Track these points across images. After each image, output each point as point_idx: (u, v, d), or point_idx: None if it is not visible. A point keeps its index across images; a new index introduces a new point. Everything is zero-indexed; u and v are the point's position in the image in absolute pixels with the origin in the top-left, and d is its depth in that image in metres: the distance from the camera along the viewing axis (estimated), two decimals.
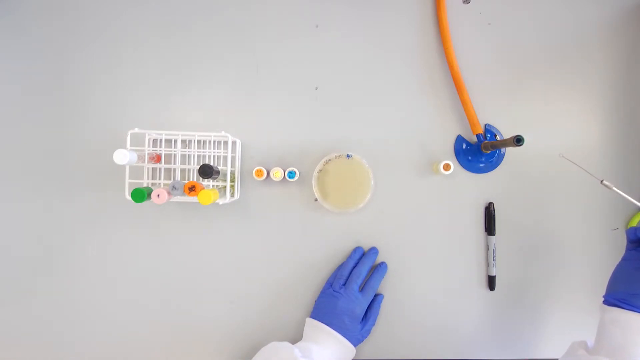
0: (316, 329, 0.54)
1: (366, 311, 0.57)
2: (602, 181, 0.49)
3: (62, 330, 0.59)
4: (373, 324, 0.57)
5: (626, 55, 0.62)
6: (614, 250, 0.62)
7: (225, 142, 0.57)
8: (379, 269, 0.58)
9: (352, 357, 0.55)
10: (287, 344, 0.52)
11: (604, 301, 0.49)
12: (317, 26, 0.61)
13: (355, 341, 0.55)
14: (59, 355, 0.59)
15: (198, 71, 0.60)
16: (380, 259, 0.60)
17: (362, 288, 0.57)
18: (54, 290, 0.59)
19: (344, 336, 0.53)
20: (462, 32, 0.61)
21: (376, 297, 0.58)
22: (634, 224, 0.61)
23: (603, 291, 0.61)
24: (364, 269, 0.57)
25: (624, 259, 0.50)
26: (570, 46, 0.62)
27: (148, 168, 0.56)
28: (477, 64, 0.61)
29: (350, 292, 0.55)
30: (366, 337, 0.56)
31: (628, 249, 0.51)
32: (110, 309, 0.59)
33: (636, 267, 0.48)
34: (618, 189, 0.49)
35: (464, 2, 0.62)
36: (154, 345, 0.59)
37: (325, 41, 0.61)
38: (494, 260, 0.60)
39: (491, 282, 0.60)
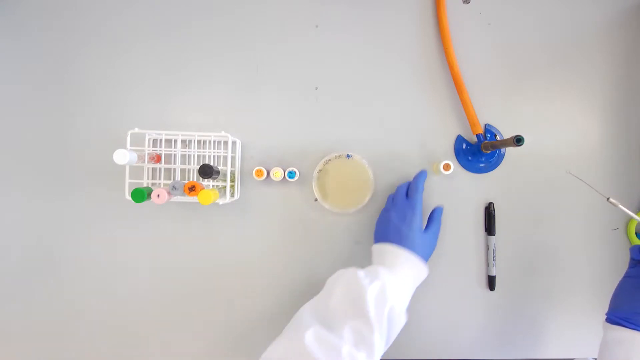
0: (379, 251, 0.52)
1: (428, 223, 0.54)
2: (608, 199, 0.49)
3: (61, 330, 0.59)
4: (436, 233, 0.54)
5: (626, 55, 0.62)
6: (614, 251, 0.62)
7: (225, 142, 0.57)
8: (418, 174, 0.56)
9: (425, 274, 0.51)
10: (353, 268, 0.49)
11: (606, 319, 0.48)
12: (317, 26, 0.61)
13: (422, 253, 0.51)
14: (58, 355, 0.59)
15: (198, 71, 0.60)
16: None
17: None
18: (53, 290, 0.59)
19: (408, 248, 0.50)
20: (462, 32, 0.61)
21: (436, 208, 0.56)
22: (634, 224, 0.61)
23: (603, 291, 0.61)
24: (408, 182, 0.56)
25: (627, 276, 0.50)
26: (570, 46, 0.62)
27: (148, 168, 0.56)
28: (477, 64, 0.61)
29: (397, 201, 0.53)
30: (433, 249, 0.53)
31: (631, 266, 0.50)
32: (110, 308, 0.59)
33: (639, 284, 0.47)
34: (624, 205, 0.49)
35: (464, 2, 0.62)
36: (154, 345, 0.59)
37: (325, 41, 0.61)
38: (494, 260, 0.60)
39: (491, 282, 0.60)
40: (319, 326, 0.43)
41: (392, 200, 0.55)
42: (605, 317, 0.49)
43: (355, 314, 0.43)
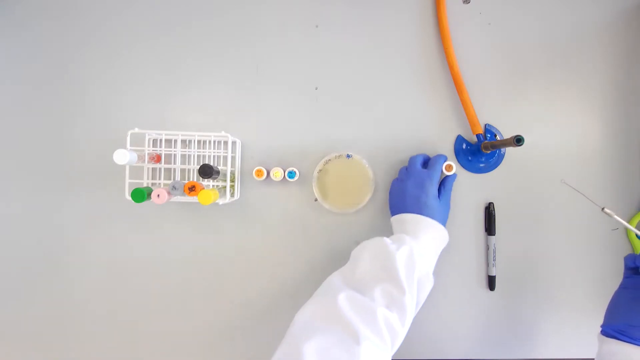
0: (399, 221, 0.52)
1: (440, 191, 0.54)
2: (603, 209, 0.49)
3: (62, 331, 0.59)
4: (449, 199, 0.55)
5: (626, 55, 0.62)
6: (614, 251, 0.62)
7: (225, 142, 0.57)
8: (438, 155, 0.56)
9: (446, 238, 0.52)
10: (378, 237, 0.50)
11: (601, 331, 0.48)
12: (317, 26, 0.61)
13: (441, 219, 0.52)
14: (59, 355, 0.59)
15: (198, 71, 0.60)
16: None
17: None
18: (53, 290, 0.59)
19: (428, 216, 0.51)
20: (462, 32, 0.61)
21: (448, 177, 0.56)
22: (634, 224, 0.61)
23: (603, 291, 0.62)
24: (426, 155, 0.56)
25: (621, 287, 0.49)
26: (570, 46, 0.62)
27: (148, 168, 0.56)
28: (477, 64, 0.61)
29: (413, 171, 0.54)
30: (448, 214, 0.54)
31: (626, 276, 0.50)
32: (109, 308, 0.59)
33: (634, 296, 0.47)
34: (619, 216, 0.49)
35: (464, 2, 0.62)
36: (154, 345, 0.59)
37: (325, 41, 0.61)
38: (494, 260, 0.60)
39: (491, 282, 0.60)
40: (351, 290, 0.43)
41: (405, 170, 0.55)
42: (600, 329, 0.48)
43: (385, 277, 0.44)
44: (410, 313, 0.43)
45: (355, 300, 0.42)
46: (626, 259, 0.49)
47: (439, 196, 0.53)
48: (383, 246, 0.47)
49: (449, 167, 0.56)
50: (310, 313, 0.42)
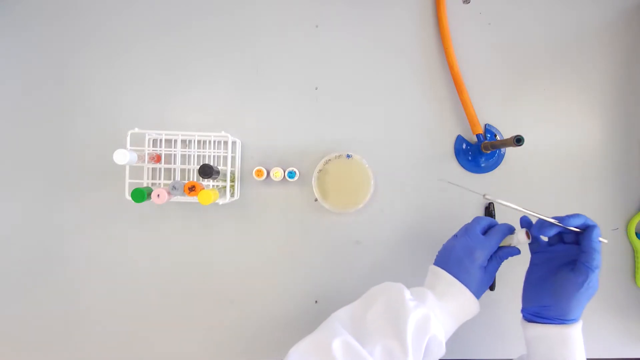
0: (434, 275, 0.48)
1: (491, 259, 0.48)
2: (484, 195, 0.47)
3: (61, 330, 0.59)
4: (494, 272, 0.48)
5: (626, 55, 0.62)
6: (614, 251, 0.62)
7: (225, 142, 0.57)
8: (508, 225, 0.50)
9: (475, 311, 0.47)
10: (400, 285, 0.47)
11: (523, 316, 0.47)
12: (317, 26, 0.61)
13: (477, 290, 0.46)
14: (59, 355, 0.59)
15: (198, 71, 0.60)
16: (379, 259, 0.60)
17: (487, 233, 0.49)
18: (53, 290, 0.59)
19: (463, 283, 0.46)
20: (462, 32, 0.61)
21: (510, 248, 0.49)
22: (634, 224, 0.61)
23: (603, 291, 0.61)
24: (493, 220, 0.50)
25: (529, 266, 0.48)
26: (571, 46, 0.62)
27: (148, 168, 0.56)
28: (477, 64, 0.61)
29: (470, 233, 0.48)
30: (486, 288, 0.48)
31: (532, 251, 0.49)
32: (110, 308, 0.59)
33: (541, 275, 0.46)
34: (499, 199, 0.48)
35: (464, 2, 0.62)
36: (154, 344, 0.59)
37: (325, 41, 0.61)
38: None
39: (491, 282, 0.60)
40: (350, 336, 0.41)
41: (465, 230, 0.50)
42: (521, 315, 0.47)
43: (392, 333, 0.41)
44: None
45: (351, 351, 0.39)
46: (530, 228, 0.47)
47: (486, 265, 0.48)
48: (401, 299, 0.44)
49: (528, 235, 0.48)
50: (303, 351, 0.40)
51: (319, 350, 0.40)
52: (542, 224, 0.45)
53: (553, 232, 0.45)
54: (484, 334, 0.61)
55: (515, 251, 0.49)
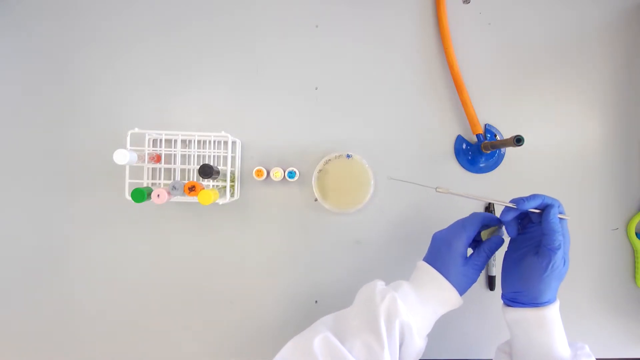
0: (416, 268, 0.48)
1: (476, 252, 0.47)
2: (436, 188, 0.47)
3: (62, 330, 0.59)
4: (479, 266, 0.47)
5: (626, 55, 0.62)
6: (614, 251, 0.62)
7: (225, 142, 0.57)
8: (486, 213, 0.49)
9: (455, 301, 0.45)
10: (375, 280, 0.47)
11: (503, 302, 0.47)
12: (317, 26, 0.61)
13: (456, 280, 0.45)
14: (58, 355, 0.59)
15: (198, 71, 0.60)
16: (379, 259, 0.60)
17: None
18: (53, 290, 0.59)
19: (442, 273, 0.45)
20: (462, 32, 0.61)
21: (493, 237, 0.48)
22: (634, 224, 0.61)
23: (603, 291, 0.62)
24: (481, 214, 0.49)
25: (505, 252, 0.48)
26: (571, 46, 0.62)
27: (148, 168, 0.56)
28: (477, 64, 0.61)
29: (453, 225, 0.48)
30: (472, 283, 0.47)
31: (509, 241, 0.48)
32: (110, 308, 0.59)
33: (512, 261, 0.46)
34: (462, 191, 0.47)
35: (464, 2, 0.62)
36: (154, 344, 0.59)
37: (325, 41, 0.61)
38: (494, 260, 0.60)
39: (491, 282, 0.60)
40: (331, 334, 0.41)
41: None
42: (502, 301, 0.48)
43: (368, 327, 0.42)
44: None
45: (330, 346, 0.40)
46: (501, 215, 0.46)
47: (472, 255, 0.47)
48: (373, 293, 0.44)
49: (490, 232, 0.48)
50: (286, 353, 0.41)
51: (301, 350, 0.40)
52: (503, 210, 0.45)
53: (510, 216, 0.44)
54: (484, 333, 0.61)
55: (499, 241, 0.48)
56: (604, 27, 0.62)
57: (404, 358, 0.43)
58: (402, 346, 0.42)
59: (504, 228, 0.48)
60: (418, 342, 0.43)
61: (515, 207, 0.44)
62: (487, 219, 0.48)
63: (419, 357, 0.44)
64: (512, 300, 0.46)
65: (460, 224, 0.47)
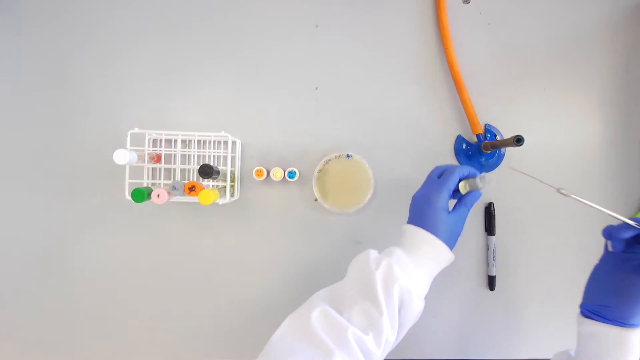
0: (402, 231, 0.48)
1: (456, 205, 0.48)
2: (558, 189, 0.46)
3: (62, 330, 0.59)
4: (462, 216, 0.47)
5: (626, 55, 0.62)
6: None
7: (225, 142, 0.57)
8: (463, 166, 0.49)
9: (448, 258, 0.45)
10: (368, 250, 0.47)
11: (580, 312, 0.46)
12: (317, 26, 0.61)
13: (444, 236, 0.45)
14: (58, 355, 0.59)
15: (198, 71, 0.60)
16: None
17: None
18: (54, 290, 0.59)
19: (427, 230, 0.45)
20: (462, 32, 0.61)
21: (471, 191, 0.48)
22: None
23: None
24: (450, 165, 0.49)
25: (598, 264, 0.48)
26: (571, 46, 0.62)
27: (148, 168, 0.56)
28: (477, 64, 0.61)
29: (427, 179, 0.49)
30: (459, 234, 0.47)
31: (605, 251, 0.48)
32: (110, 308, 0.59)
33: (608, 274, 0.45)
34: (578, 196, 0.46)
35: (464, 2, 0.62)
36: (154, 344, 0.59)
37: (325, 41, 0.61)
38: (494, 260, 0.60)
39: (491, 282, 0.60)
40: (328, 306, 0.41)
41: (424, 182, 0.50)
42: (579, 309, 0.47)
43: (364, 295, 0.42)
44: (390, 335, 0.41)
45: (328, 318, 0.40)
46: (603, 231, 0.45)
47: (454, 208, 0.47)
48: (367, 261, 0.44)
49: (469, 184, 0.48)
50: (283, 331, 0.41)
51: (299, 324, 0.40)
52: (619, 226, 0.44)
53: (628, 234, 0.43)
54: (484, 333, 0.61)
55: (479, 195, 0.48)
56: (604, 27, 0.62)
57: (403, 322, 0.43)
58: (402, 310, 0.42)
59: (478, 180, 0.48)
60: (417, 305, 0.43)
61: (638, 227, 0.43)
62: (464, 171, 0.48)
63: (417, 319, 0.44)
64: (595, 313, 0.44)
65: (440, 181, 0.47)
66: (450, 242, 0.46)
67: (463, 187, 0.49)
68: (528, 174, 0.49)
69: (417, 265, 0.44)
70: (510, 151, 0.61)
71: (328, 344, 0.38)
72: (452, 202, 0.48)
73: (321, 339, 0.38)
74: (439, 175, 0.49)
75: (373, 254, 0.45)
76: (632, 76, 0.62)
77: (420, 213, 0.46)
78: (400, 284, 0.42)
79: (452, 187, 0.47)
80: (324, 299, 0.44)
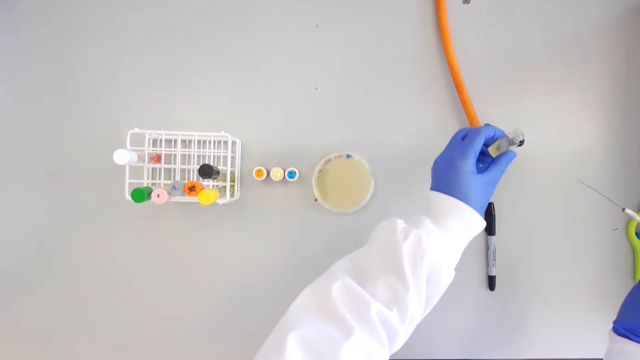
0: (428, 199, 0.45)
1: (488, 167, 0.45)
2: (623, 209, 0.45)
3: (62, 330, 0.59)
4: (494, 180, 0.44)
5: (626, 55, 0.62)
6: (614, 251, 0.62)
7: (225, 142, 0.57)
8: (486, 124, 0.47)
9: (480, 225, 0.43)
10: (394, 219, 0.44)
11: (613, 328, 0.45)
12: (317, 26, 0.61)
13: (474, 200, 0.42)
14: (58, 355, 0.59)
15: (198, 71, 0.60)
16: None
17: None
18: (53, 290, 0.59)
19: (455, 196, 0.42)
20: (462, 32, 0.61)
21: (506, 152, 0.46)
22: (634, 224, 0.61)
23: (603, 291, 0.61)
24: (474, 127, 0.46)
25: (637, 285, 0.46)
26: (571, 46, 0.62)
27: (148, 168, 0.56)
28: (477, 64, 0.61)
29: (450, 144, 0.46)
30: (489, 198, 0.44)
31: None
32: (110, 308, 0.59)
33: None
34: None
35: (464, 2, 0.62)
36: (153, 344, 0.59)
37: (325, 41, 0.61)
38: (494, 260, 0.60)
39: (491, 282, 0.60)
40: (350, 279, 0.39)
41: (447, 144, 0.47)
42: (612, 325, 0.46)
43: (390, 268, 0.39)
44: (416, 311, 0.39)
45: (351, 292, 0.38)
46: None
47: (485, 170, 0.45)
48: (392, 231, 0.41)
49: (501, 145, 0.44)
50: (303, 301, 0.39)
51: (319, 296, 0.39)
52: None
53: None
54: (484, 333, 0.61)
55: (513, 154, 0.46)
56: (604, 27, 0.62)
57: (431, 294, 0.41)
58: (430, 283, 0.40)
59: (511, 137, 0.45)
60: (448, 277, 0.41)
61: None
62: (489, 132, 0.45)
63: (445, 290, 0.42)
64: (630, 331, 0.43)
65: (464, 143, 0.44)
66: (482, 207, 0.43)
67: (494, 150, 0.46)
68: (597, 190, 0.49)
69: (447, 236, 0.42)
70: None
71: (349, 320, 0.36)
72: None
73: (342, 314, 0.36)
74: (463, 137, 0.46)
75: (400, 224, 0.42)
76: (632, 76, 0.62)
77: (446, 178, 0.43)
78: (430, 258, 0.39)
79: (477, 149, 0.44)
80: (346, 269, 0.41)
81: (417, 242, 0.40)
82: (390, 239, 0.41)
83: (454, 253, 0.43)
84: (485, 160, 0.49)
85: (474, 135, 0.44)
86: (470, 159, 0.43)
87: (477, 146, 0.44)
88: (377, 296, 0.38)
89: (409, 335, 0.41)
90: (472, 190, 0.42)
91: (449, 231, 0.42)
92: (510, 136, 0.45)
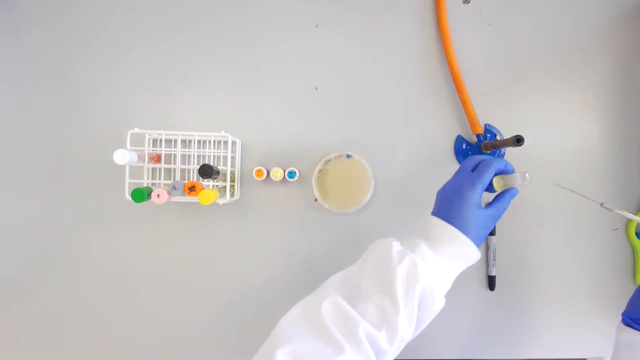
0: (428, 223, 0.45)
1: (492, 201, 0.45)
2: (602, 204, 0.45)
3: (62, 330, 0.59)
4: (496, 215, 0.44)
5: (626, 55, 0.62)
6: (614, 251, 0.62)
7: (225, 142, 0.57)
8: (501, 160, 0.45)
9: (475, 257, 0.43)
10: (390, 239, 0.44)
11: (622, 319, 0.46)
12: (317, 26, 0.61)
13: (474, 233, 0.42)
14: (58, 355, 0.59)
15: (198, 71, 0.60)
16: None
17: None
18: (53, 290, 0.59)
19: (455, 225, 0.42)
20: (462, 32, 0.61)
21: (511, 190, 0.45)
22: (634, 224, 0.61)
23: (603, 291, 0.61)
24: (485, 156, 0.46)
25: None
26: (570, 46, 0.62)
27: (148, 168, 0.56)
28: (477, 64, 0.61)
29: (458, 172, 0.45)
30: (489, 232, 0.44)
31: None
32: (110, 308, 0.59)
33: None
34: (619, 209, 0.46)
35: (464, 2, 0.62)
36: (153, 344, 0.59)
37: (325, 41, 0.61)
38: (494, 260, 0.60)
39: (491, 282, 0.60)
40: (340, 297, 0.39)
41: (456, 171, 0.47)
42: (621, 317, 0.46)
43: (382, 289, 0.39)
44: (405, 334, 0.39)
45: (340, 310, 0.38)
46: None
47: (489, 205, 0.45)
48: (389, 252, 0.42)
49: (506, 181, 0.44)
50: (293, 317, 0.40)
51: (309, 314, 0.39)
52: None
53: None
54: (484, 333, 0.61)
55: (516, 192, 0.45)
56: (604, 27, 0.62)
57: (422, 318, 0.41)
58: (421, 307, 0.40)
59: (518, 177, 0.44)
60: (439, 304, 0.42)
61: None
62: (500, 165, 0.45)
63: (436, 315, 0.43)
64: (636, 321, 0.44)
65: (474, 174, 0.44)
66: (479, 241, 0.43)
67: (498, 183, 0.46)
68: (572, 190, 0.49)
69: (442, 263, 0.42)
70: (510, 151, 0.61)
71: (338, 338, 0.36)
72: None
73: (331, 332, 0.37)
74: (473, 167, 0.45)
75: (396, 245, 0.43)
76: (632, 76, 0.62)
77: (451, 207, 0.43)
78: (423, 283, 0.40)
79: (487, 182, 0.44)
80: (337, 287, 0.42)
81: (411, 267, 0.40)
82: (386, 260, 0.41)
83: (446, 281, 0.43)
84: (487, 189, 0.48)
85: (485, 168, 0.44)
86: (478, 192, 0.43)
87: (487, 180, 0.44)
88: (367, 316, 0.39)
89: (397, 353, 0.41)
90: (473, 223, 0.42)
91: (444, 259, 0.42)
92: (519, 177, 0.45)
